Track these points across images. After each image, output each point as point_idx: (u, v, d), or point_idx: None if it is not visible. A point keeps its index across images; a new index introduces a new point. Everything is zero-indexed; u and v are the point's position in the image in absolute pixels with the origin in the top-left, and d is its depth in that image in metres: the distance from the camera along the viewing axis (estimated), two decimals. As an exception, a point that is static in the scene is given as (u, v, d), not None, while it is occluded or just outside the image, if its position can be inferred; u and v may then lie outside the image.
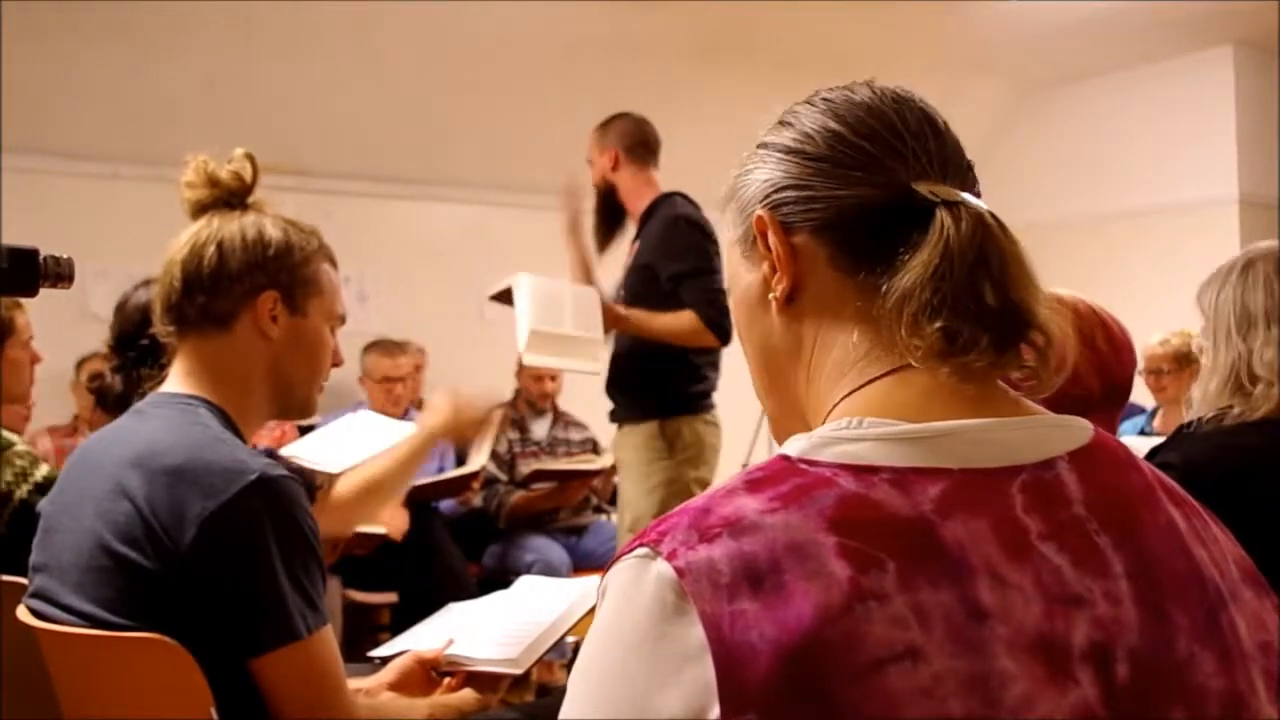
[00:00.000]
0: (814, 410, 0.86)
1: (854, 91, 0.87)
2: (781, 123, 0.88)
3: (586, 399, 4.92)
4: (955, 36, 5.00)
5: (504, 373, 4.94)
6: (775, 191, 0.85)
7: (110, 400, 1.93)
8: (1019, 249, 0.80)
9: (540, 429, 4.76)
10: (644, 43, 4.96)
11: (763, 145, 0.89)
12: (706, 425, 3.45)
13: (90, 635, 1.40)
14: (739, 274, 0.91)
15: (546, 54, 4.95)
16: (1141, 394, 4.44)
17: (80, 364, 4.28)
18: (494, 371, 5.01)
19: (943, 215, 0.78)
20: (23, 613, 1.50)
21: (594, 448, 4.81)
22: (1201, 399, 1.88)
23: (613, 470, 4.53)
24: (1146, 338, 4.24)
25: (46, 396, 2.94)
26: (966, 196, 0.80)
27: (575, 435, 4.82)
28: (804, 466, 0.74)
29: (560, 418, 4.84)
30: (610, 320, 3.39)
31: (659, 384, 3.46)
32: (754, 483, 0.74)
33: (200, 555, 1.37)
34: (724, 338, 3.30)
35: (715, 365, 3.49)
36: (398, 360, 4.62)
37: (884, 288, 0.79)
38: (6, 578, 1.70)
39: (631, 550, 0.73)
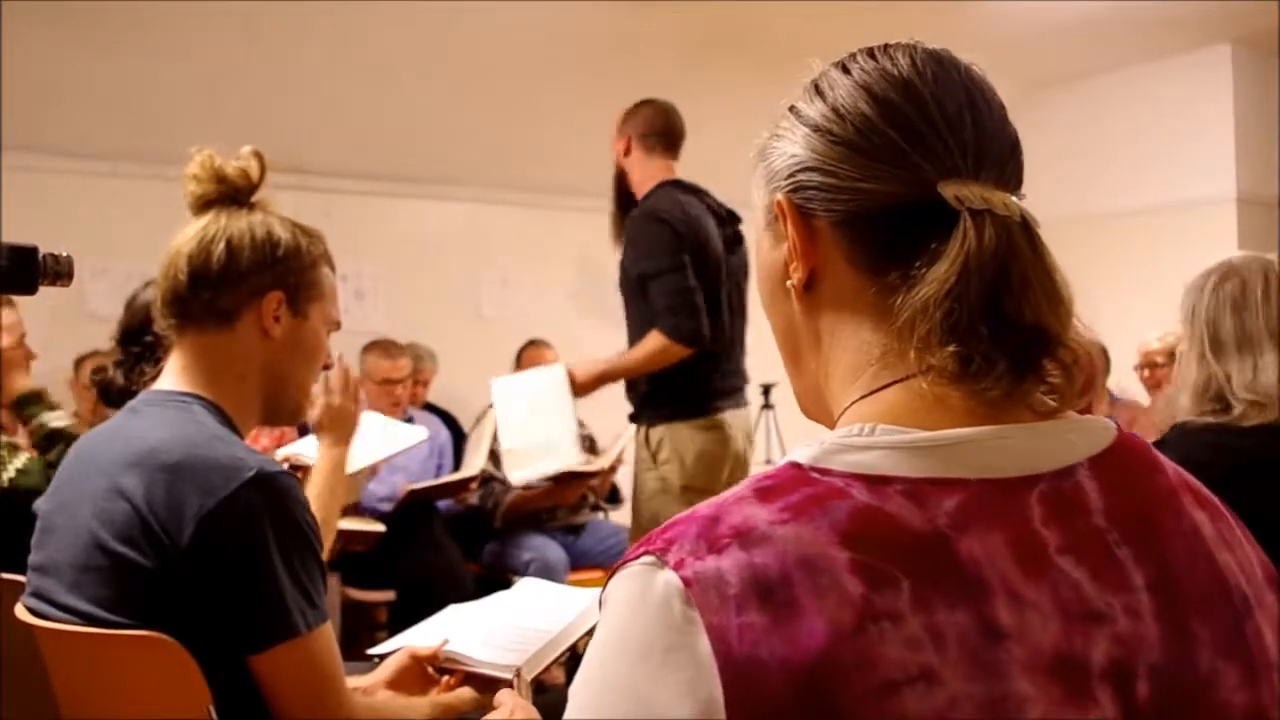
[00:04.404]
0: (832, 405, 0.83)
1: (894, 61, 0.81)
2: (816, 89, 0.83)
3: (586, 397, 4.92)
4: (954, 36, 4.96)
5: (502, 368, 4.94)
6: (800, 171, 0.81)
7: (113, 395, 1.93)
8: (1046, 263, 0.75)
9: (538, 427, 4.75)
10: (645, 42, 4.95)
11: (794, 111, 0.83)
12: (700, 431, 3.26)
13: (88, 634, 1.40)
14: (763, 245, 0.88)
15: (546, 53, 4.95)
16: (1136, 392, 4.44)
17: (78, 362, 4.28)
18: (492, 367, 5.01)
19: (966, 225, 0.73)
20: (20, 611, 1.50)
21: (591, 446, 4.81)
22: (1181, 407, 1.90)
23: (611, 469, 4.54)
24: (1144, 335, 4.25)
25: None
26: (997, 201, 0.75)
27: (573, 433, 4.81)
28: (815, 475, 0.72)
29: (558, 416, 4.83)
30: (588, 386, 3.36)
31: (648, 390, 3.34)
32: (764, 491, 0.72)
33: (199, 552, 1.37)
34: (692, 341, 3.13)
35: (708, 361, 3.25)
36: (398, 362, 4.60)
37: (898, 301, 0.75)
38: (5, 575, 1.70)
39: (637, 557, 0.71)
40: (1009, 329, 0.73)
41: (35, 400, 2.51)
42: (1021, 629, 0.67)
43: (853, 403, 0.79)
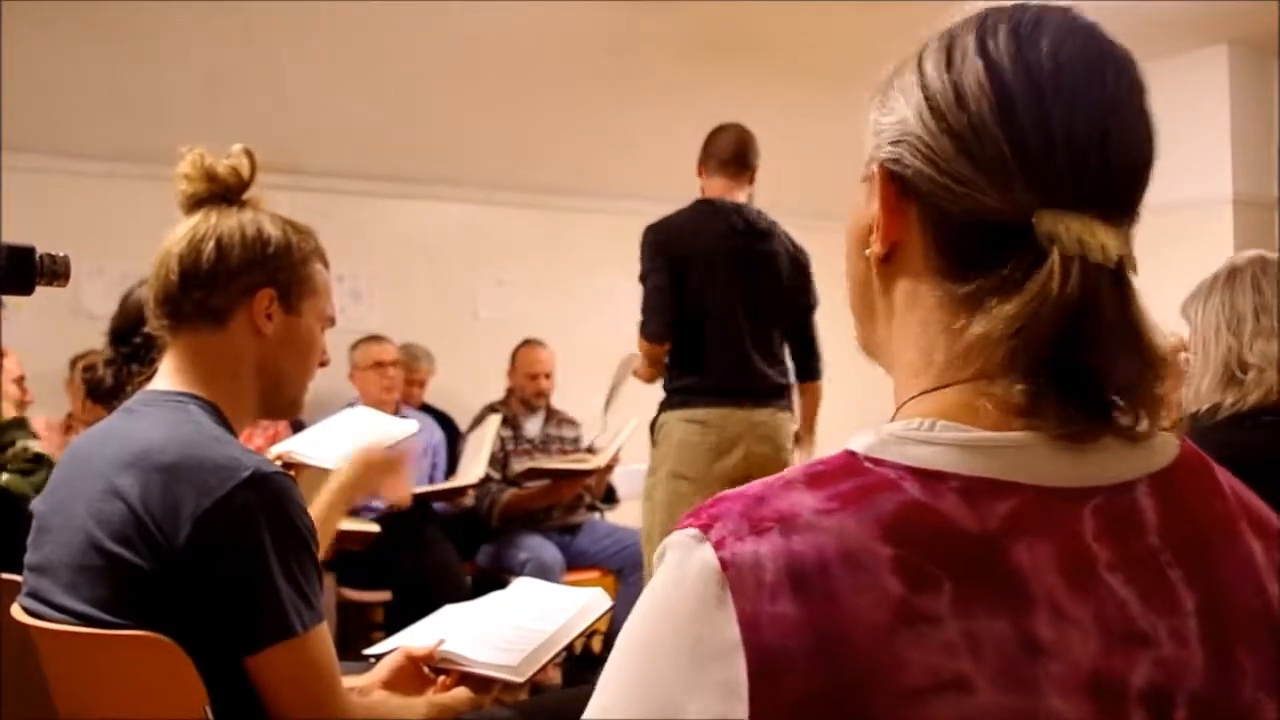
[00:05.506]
0: (895, 380, 0.80)
1: (1036, 49, 0.72)
2: (947, 51, 0.75)
3: (580, 397, 4.93)
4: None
5: (497, 369, 4.95)
6: (902, 141, 0.75)
7: (101, 393, 1.94)
8: (1132, 319, 0.70)
9: (533, 427, 4.76)
10: (643, 42, 4.95)
11: (920, 62, 0.76)
12: (686, 423, 3.50)
13: (84, 634, 1.40)
14: (859, 194, 0.82)
15: (544, 53, 4.95)
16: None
17: (74, 362, 4.27)
18: (487, 368, 5.02)
19: (1053, 266, 0.68)
20: (16, 611, 1.50)
21: (588, 446, 4.81)
22: (1193, 397, 1.92)
23: (607, 469, 4.54)
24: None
25: (40, 395, 2.94)
26: (1095, 245, 0.68)
27: (568, 433, 4.82)
28: (869, 465, 0.70)
29: (553, 415, 4.84)
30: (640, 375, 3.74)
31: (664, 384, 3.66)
32: (814, 477, 0.70)
33: (195, 552, 1.37)
34: (652, 338, 3.49)
35: (697, 360, 3.52)
36: (385, 346, 4.63)
37: (962, 324, 0.71)
38: (2, 575, 1.70)
39: (686, 525, 0.70)
40: (1077, 377, 0.69)
41: (18, 425, 2.52)
42: (1061, 645, 0.65)
43: (914, 396, 0.76)
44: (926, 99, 0.74)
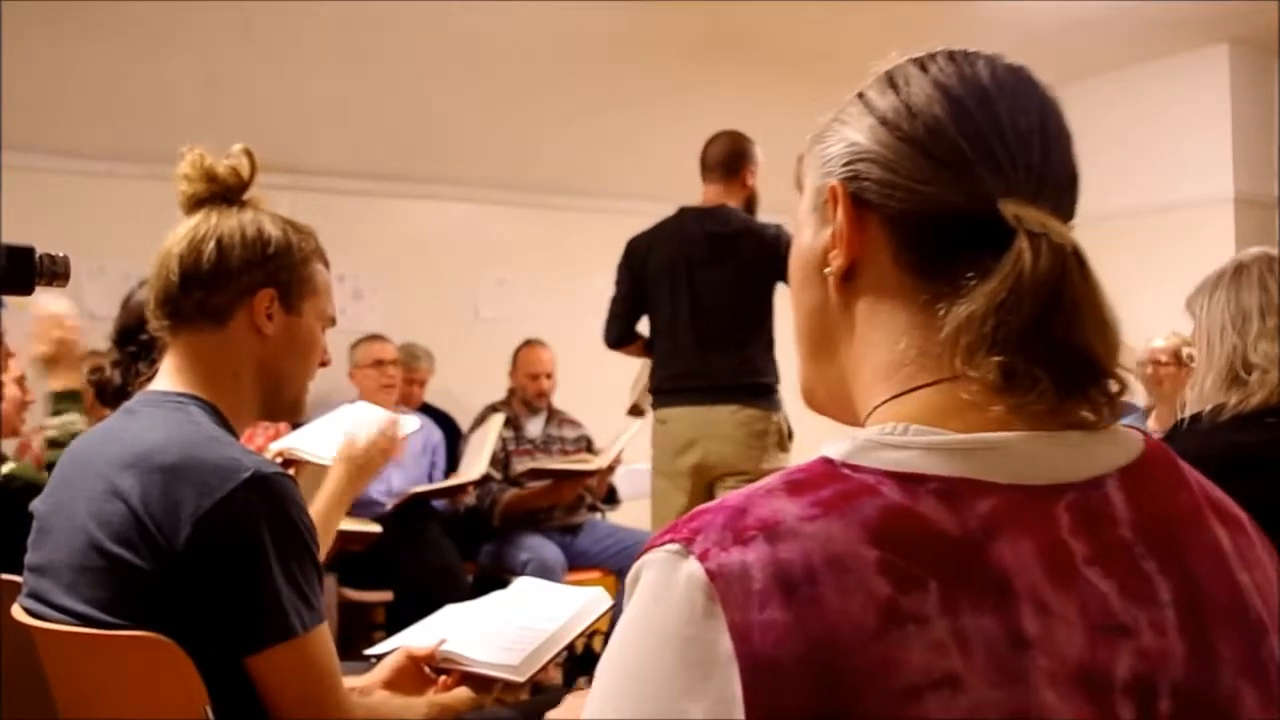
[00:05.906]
0: (859, 400, 0.82)
1: (974, 67, 0.80)
2: (889, 81, 0.81)
3: (581, 397, 4.93)
4: (952, 36, 4.97)
5: (498, 369, 4.95)
6: (858, 160, 0.79)
7: (109, 394, 1.95)
8: (1098, 292, 0.74)
9: (535, 427, 4.76)
10: (643, 42, 4.95)
11: (862, 98, 0.82)
12: (656, 423, 3.77)
13: (85, 634, 1.40)
14: (804, 227, 0.86)
15: (544, 53, 4.95)
16: (1136, 391, 4.44)
17: (75, 362, 4.27)
18: (488, 368, 5.02)
19: (1022, 244, 0.72)
20: (17, 612, 1.50)
21: (588, 446, 4.81)
22: (1197, 397, 1.91)
23: (609, 469, 4.54)
24: (1141, 336, 4.25)
25: (41, 394, 2.94)
26: (1054, 227, 0.73)
27: (570, 433, 4.82)
28: (846, 471, 0.71)
29: (555, 416, 4.84)
30: None
31: None
32: (794, 485, 0.70)
33: (195, 553, 1.37)
34: (607, 345, 3.89)
35: (657, 362, 3.76)
36: (386, 345, 4.63)
37: (943, 310, 0.74)
38: (2, 576, 1.70)
39: (663, 543, 0.70)
40: (1056, 351, 0.72)
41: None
42: (1047, 638, 0.66)
43: (884, 401, 0.78)
44: (878, 119, 0.79)
